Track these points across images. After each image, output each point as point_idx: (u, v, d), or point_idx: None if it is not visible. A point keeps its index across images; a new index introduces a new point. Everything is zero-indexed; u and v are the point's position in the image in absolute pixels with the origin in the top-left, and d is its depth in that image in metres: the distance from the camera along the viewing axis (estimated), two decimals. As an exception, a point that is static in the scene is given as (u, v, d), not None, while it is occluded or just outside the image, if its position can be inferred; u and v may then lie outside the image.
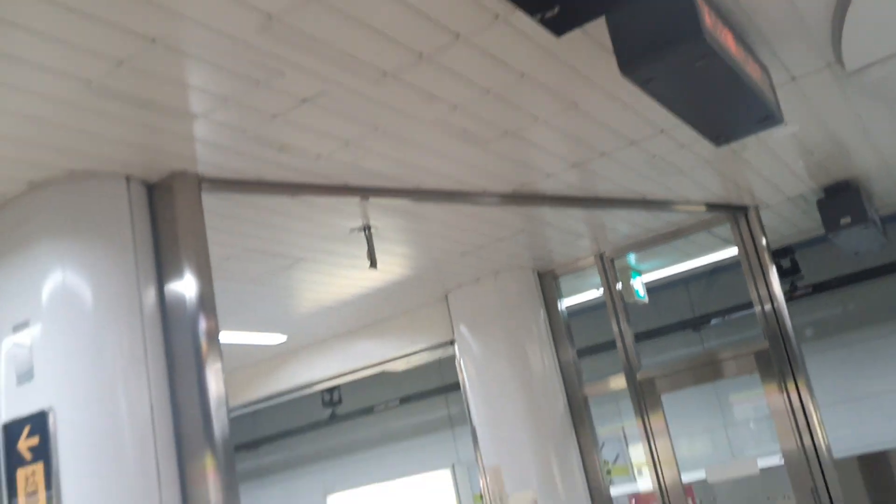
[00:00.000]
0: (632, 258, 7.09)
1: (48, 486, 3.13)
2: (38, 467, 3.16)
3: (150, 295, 3.68)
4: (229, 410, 3.68)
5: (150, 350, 3.62)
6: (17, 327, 3.39)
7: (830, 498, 5.95)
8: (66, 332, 3.37)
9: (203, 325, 3.73)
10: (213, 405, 3.60)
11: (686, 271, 8.45)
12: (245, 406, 8.80)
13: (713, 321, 10.55)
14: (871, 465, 7.38)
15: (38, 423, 3.20)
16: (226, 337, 7.10)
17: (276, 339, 7.63)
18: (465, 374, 7.15)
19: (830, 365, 9.73)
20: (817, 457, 6.03)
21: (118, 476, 3.24)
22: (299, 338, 7.79)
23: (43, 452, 3.17)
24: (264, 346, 7.79)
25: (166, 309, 3.71)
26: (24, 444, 3.24)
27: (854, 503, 6.66)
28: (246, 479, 15.30)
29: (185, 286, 3.70)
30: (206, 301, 3.74)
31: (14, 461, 3.24)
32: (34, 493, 3.16)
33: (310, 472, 14.98)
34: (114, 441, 3.28)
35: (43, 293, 3.41)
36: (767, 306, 6.34)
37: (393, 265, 6.10)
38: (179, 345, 3.68)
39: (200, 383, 3.61)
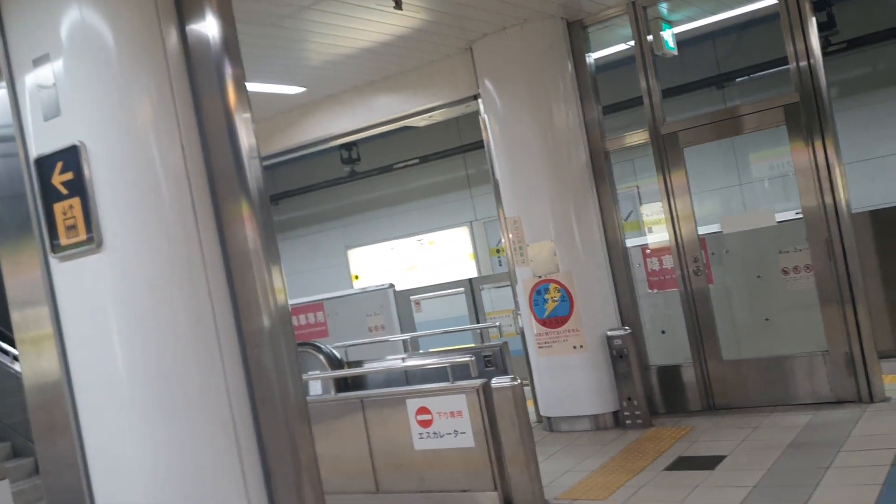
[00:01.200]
0: (664, 7, 6.78)
1: (87, 219, 3.19)
2: (76, 202, 3.20)
3: (173, 36, 3.55)
4: (262, 159, 3.67)
5: (177, 93, 3.55)
6: (38, 61, 3.30)
7: (844, 248, 6.12)
8: (90, 69, 3.28)
9: (229, 70, 3.63)
10: (245, 154, 3.58)
11: (716, 23, 8.11)
12: (265, 159, 8.88)
13: (738, 79, 10.31)
14: (883, 219, 7.52)
15: (71, 158, 3.21)
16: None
17: (294, 90, 7.53)
18: (490, 129, 7.11)
19: (852, 124, 9.64)
20: (836, 211, 6.12)
21: (156, 212, 3.29)
22: (318, 89, 7.68)
23: (78, 187, 3.20)
24: (283, 97, 7.71)
25: (190, 53, 3.60)
26: (58, 178, 3.26)
27: (864, 252, 6.85)
28: (268, 233, 15.80)
29: (208, 27, 3.56)
30: (231, 45, 3.61)
31: (50, 196, 3.28)
32: (73, 227, 3.23)
33: (330, 228, 15.45)
34: (148, 179, 3.30)
35: (61, 28, 3.29)
36: (803, 62, 6.15)
37: (416, 7, 5.85)
38: (206, 91, 3.60)
39: (231, 131, 3.57)
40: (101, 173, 3.27)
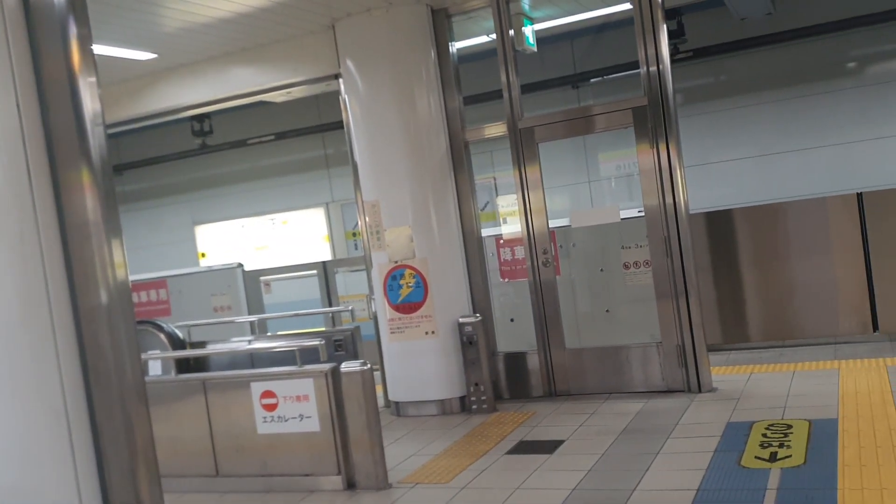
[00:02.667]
0: (526, 4, 6.93)
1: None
2: None
3: (10, -13, 3.28)
4: (106, 127, 3.47)
5: (13, 49, 3.28)
6: None
7: (680, 246, 6.49)
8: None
9: (74, 30, 3.40)
10: (88, 119, 3.37)
11: (575, 23, 8.39)
12: (111, 126, 8.41)
13: (592, 80, 10.71)
14: (716, 220, 8.05)
15: None
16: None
17: (144, 55, 7.16)
18: (350, 110, 7.03)
19: (692, 130, 10.24)
20: (675, 211, 6.48)
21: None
22: (171, 56, 7.34)
23: None
24: (133, 62, 7.31)
25: (30, 7, 3.34)
26: None
27: (698, 249, 7.31)
28: (110, 204, 15.01)
29: (51, -20, 3.31)
30: (77, 2, 3.38)
31: None
32: None
33: (178, 202, 14.86)
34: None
35: None
36: (653, 67, 6.45)
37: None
38: (48, 50, 3.35)
39: (73, 94, 3.35)
40: (-79, 129, 2.99)
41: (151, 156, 14.39)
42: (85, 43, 3.45)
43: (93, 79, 3.41)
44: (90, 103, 3.36)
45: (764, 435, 5.20)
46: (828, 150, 10.05)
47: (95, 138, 3.37)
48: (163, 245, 14.85)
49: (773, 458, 4.76)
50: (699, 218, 8.00)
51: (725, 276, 8.02)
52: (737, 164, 10.50)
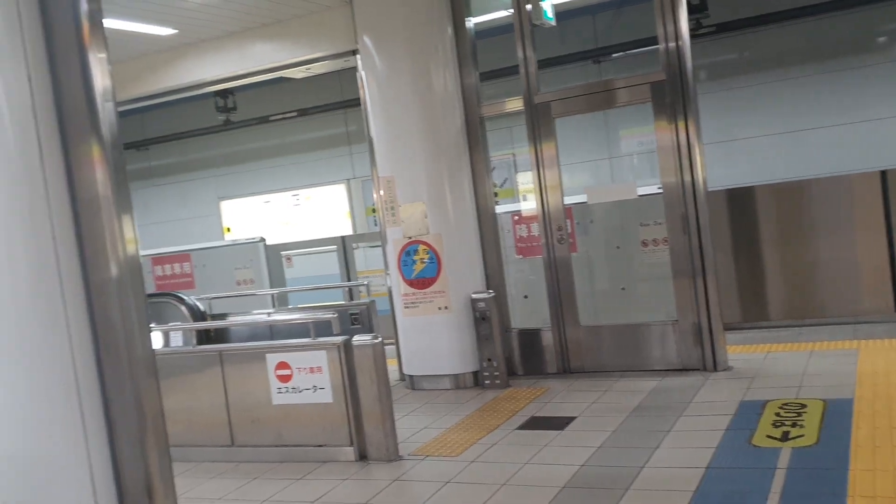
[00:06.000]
0: (544, -22, 6.86)
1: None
2: None
3: (22, -38, 3.32)
4: (117, 104, 3.51)
5: (25, 24, 3.32)
6: None
7: (698, 224, 6.44)
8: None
9: (84, 5, 3.43)
10: (98, 95, 3.41)
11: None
12: (134, 101, 8.49)
13: (614, 55, 10.60)
14: (737, 197, 7.97)
15: None
16: (109, 24, 6.69)
17: (165, 31, 7.21)
18: (367, 87, 7.04)
19: (714, 107, 10.12)
20: (693, 189, 6.42)
21: (-4, 149, 3.09)
22: (191, 32, 7.38)
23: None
24: (153, 37, 7.37)
25: (41, -17, 3.38)
26: None
27: (717, 227, 7.25)
28: (137, 178, 15.20)
29: (62, -44, 3.34)
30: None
31: None
32: None
33: (203, 178, 15.00)
34: (-10, 113, 3.09)
35: None
36: (671, 43, 6.37)
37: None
38: (59, 25, 3.40)
39: (84, 70, 3.39)
40: (-66, 104, 3.05)
41: (177, 131, 14.52)
42: (95, 18, 3.47)
43: (103, 54, 3.45)
44: (101, 78, 3.40)
45: (777, 414, 5.17)
46: (854, 127, 9.88)
47: (106, 113, 3.41)
48: (189, 219, 15.03)
49: (784, 437, 4.74)
50: (720, 195, 7.92)
51: (746, 254, 7.95)
52: (761, 140, 10.37)
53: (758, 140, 10.35)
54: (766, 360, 6.61)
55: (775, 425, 4.96)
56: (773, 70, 10.14)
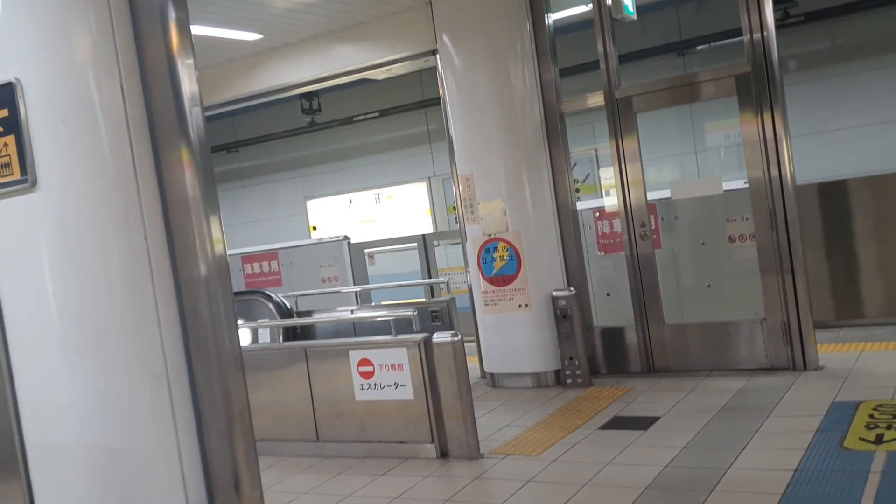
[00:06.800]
0: (625, -29, 6.77)
1: (21, 157, 3.15)
2: (10, 139, 3.16)
3: (115, -25, 3.47)
4: (204, 109, 3.63)
5: (118, 32, 3.47)
6: (-32, -9, 3.22)
7: (786, 219, 6.25)
8: (28, 4, 3.22)
9: (173, 14, 3.56)
10: (186, 100, 3.54)
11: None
12: (222, 105, 8.76)
13: (699, 47, 10.37)
14: (829, 191, 7.69)
15: (6, 94, 3.15)
16: (197, 30, 6.92)
17: (251, 36, 7.42)
18: (446, 85, 7.09)
19: (807, 97, 9.79)
20: (780, 183, 6.24)
21: (93, 153, 3.25)
22: (276, 37, 7.57)
23: (13, 125, 3.16)
24: (240, 43, 7.59)
25: (133, -6, 3.52)
26: (-7, 114, 3.21)
27: (809, 222, 7.01)
28: (228, 179, 15.67)
29: (152, -33, 3.49)
30: (175, -15, 3.55)
31: (-18, 134, 3.23)
32: (7, 164, 3.19)
33: (290, 178, 15.34)
34: (86, 119, 3.25)
35: (-1, -36, 3.21)
36: (756, 34, 6.19)
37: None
38: (148, 33, 3.54)
39: (173, 76, 3.52)
40: (37, 111, 3.22)
41: (265, 133, 14.90)
42: (183, 26, 3.62)
43: (190, 60, 3.58)
44: (188, 84, 3.53)
45: (871, 416, 4.98)
46: (958, 115, 9.40)
47: (193, 118, 3.55)
48: (277, 219, 15.41)
49: (878, 440, 4.56)
50: (811, 189, 7.67)
51: (839, 250, 7.67)
52: (857, 131, 9.96)
53: (852, 131, 9.95)
54: (860, 360, 6.36)
55: (869, 427, 4.78)
56: (866, 59, 9.73)
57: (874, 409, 5.09)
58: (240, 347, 3.64)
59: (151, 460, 3.34)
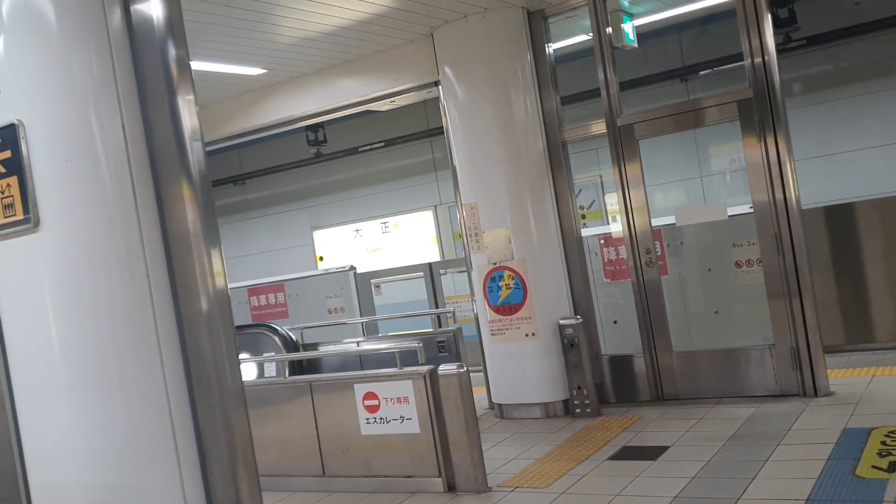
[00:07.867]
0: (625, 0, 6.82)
1: (24, 198, 3.17)
2: (13, 180, 3.18)
3: (116, 15, 3.51)
4: (205, 143, 3.65)
5: (118, 73, 3.51)
6: (-25, 35, 3.26)
7: (793, 243, 6.22)
8: (31, 46, 3.25)
9: (173, 52, 3.59)
10: (187, 136, 3.56)
11: (678, 16, 8.17)
12: (228, 139, 8.81)
13: (701, 72, 10.39)
14: (836, 214, 7.65)
15: (9, 136, 3.18)
16: (202, 66, 6.98)
17: (254, 71, 7.48)
18: (448, 116, 7.13)
19: (811, 120, 9.78)
20: (786, 207, 6.21)
21: (95, 192, 3.27)
22: (280, 71, 7.63)
23: (16, 166, 3.18)
24: (244, 77, 7.65)
25: (134, 32, 3.56)
26: (-4, 157, 3.23)
27: (816, 247, 6.97)
28: (234, 212, 15.74)
29: (153, 7, 3.52)
30: (175, 26, 3.58)
31: (-15, 173, 3.25)
32: (10, 205, 3.20)
33: (297, 209, 15.39)
34: (88, 159, 3.27)
35: (1, 3, 3.25)
36: (757, 58, 6.21)
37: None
38: (149, 72, 3.57)
39: (173, 112, 3.54)
40: (39, 152, 3.24)
41: (271, 165, 14.98)
42: (183, 63, 3.65)
43: (191, 96, 3.60)
44: (189, 120, 3.55)
45: (883, 443, 4.91)
46: (964, 136, 9.37)
47: (194, 153, 3.56)
48: (284, 249, 15.43)
49: (891, 468, 4.49)
50: (817, 213, 7.63)
51: (848, 273, 7.62)
52: (863, 153, 9.93)
53: (857, 153, 9.92)
54: (872, 385, 6.29)
55: (881, 455, 4.71)
56: (871, 80, 9.73)
57: (886, 436, 5.02)
58: (242, 382, 3.62)
59: (155, 498, 3.32)
